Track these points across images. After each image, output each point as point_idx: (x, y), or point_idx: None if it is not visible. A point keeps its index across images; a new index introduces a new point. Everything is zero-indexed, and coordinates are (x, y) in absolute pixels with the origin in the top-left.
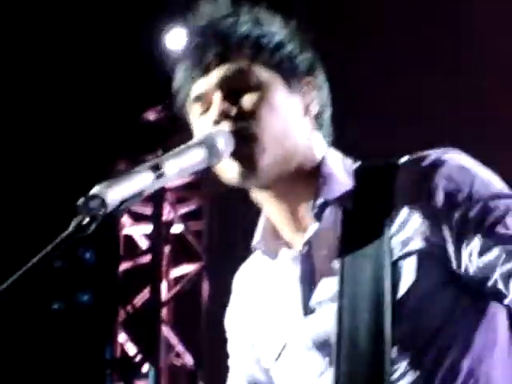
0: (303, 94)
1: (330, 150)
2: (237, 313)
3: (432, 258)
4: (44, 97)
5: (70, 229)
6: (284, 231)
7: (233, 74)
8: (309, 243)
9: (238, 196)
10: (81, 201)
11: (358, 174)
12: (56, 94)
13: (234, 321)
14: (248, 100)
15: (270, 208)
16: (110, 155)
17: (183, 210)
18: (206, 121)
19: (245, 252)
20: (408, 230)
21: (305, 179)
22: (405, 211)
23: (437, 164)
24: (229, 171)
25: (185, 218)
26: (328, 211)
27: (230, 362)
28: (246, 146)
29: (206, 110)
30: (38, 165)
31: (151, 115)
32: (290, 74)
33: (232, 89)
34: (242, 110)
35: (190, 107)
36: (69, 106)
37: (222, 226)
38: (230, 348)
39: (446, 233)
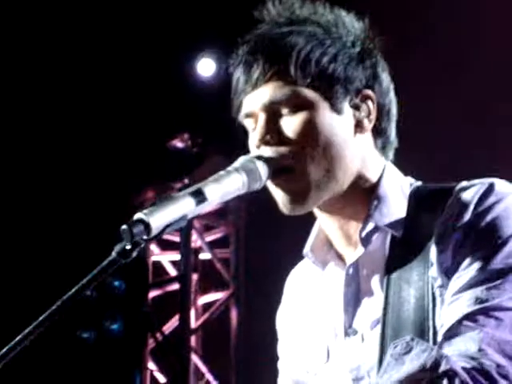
0: (357, 109)
1: (388, 168)
2: (287, 316)
3: None
4: (70, 127)
5: (114, 254)
6: (336, 243)
7: (276, 94)
8: (355, 264)
9: (264, 224)
10: (124, 226)
11: (412, 198)
12: (82, 124)
13: (284, 323)
14: (289, 124)
15: (323, 221)
16: (138, 184)
17: (210, 237)
18: (251, 141)
19: (272, 279)
20: (441, 261)
21: (358, 199)
22: (443, 242)
23: (480, 200)
24: (278, 201)
25: (212, 246)
26: (376, 235)
27: (279, 365)
28: (286, 178)
29: (255, 127)
30: (67, 194)
31: (178, 143)
32: (339, 93)
33: (275, 110)
34: (283, 135)
35: (243, 120)
36: (94, 134)
37: (249, 253)
38: (280, 350)
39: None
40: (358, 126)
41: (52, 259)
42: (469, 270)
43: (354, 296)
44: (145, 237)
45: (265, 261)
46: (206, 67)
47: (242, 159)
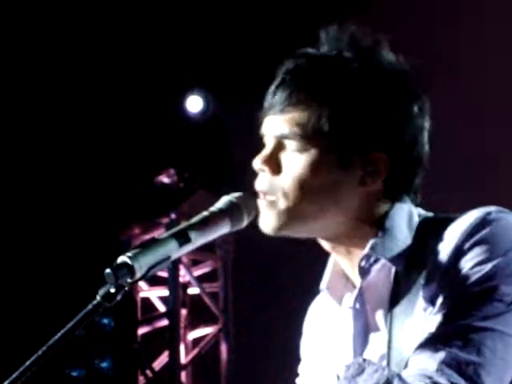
0: (365, 167)
1: (397, 202)
2: (307, 345)
3: None
4: (57, 162)
5: (98, 298)
6: (349, 275)
7: (287, 130)
8: (361, 297)
9: (252, 257)
10: (108, 270)
11: (418, 230)
12: (68, 160)
13: (305, 351)
14: (290, 162)
15: (334, 255)
16: (125, 219)
17: (198, 272)
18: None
19: (261, 312)
20: (430, 293)
21: (363, 233)
22: (434, 274)
23: (471, 229)
24: (262, 225)
25: (200, 281)
26: (379, 266)
27: (297, 381)
28: (271, 208)
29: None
30: (53, 232)
31: (164, 178)
32: (349, 149)
33: (283, 143)
34: (280, 169)
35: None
36: (81, 171)
37: (238, 287)
38: (300, 370)
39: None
40: (362, 183)
41: (39, 295)
42: (448, 291)
43: (363, 331)
44: (129, 280)
45: (254, 294)
46: (194, 104)
47: (225, 199)
